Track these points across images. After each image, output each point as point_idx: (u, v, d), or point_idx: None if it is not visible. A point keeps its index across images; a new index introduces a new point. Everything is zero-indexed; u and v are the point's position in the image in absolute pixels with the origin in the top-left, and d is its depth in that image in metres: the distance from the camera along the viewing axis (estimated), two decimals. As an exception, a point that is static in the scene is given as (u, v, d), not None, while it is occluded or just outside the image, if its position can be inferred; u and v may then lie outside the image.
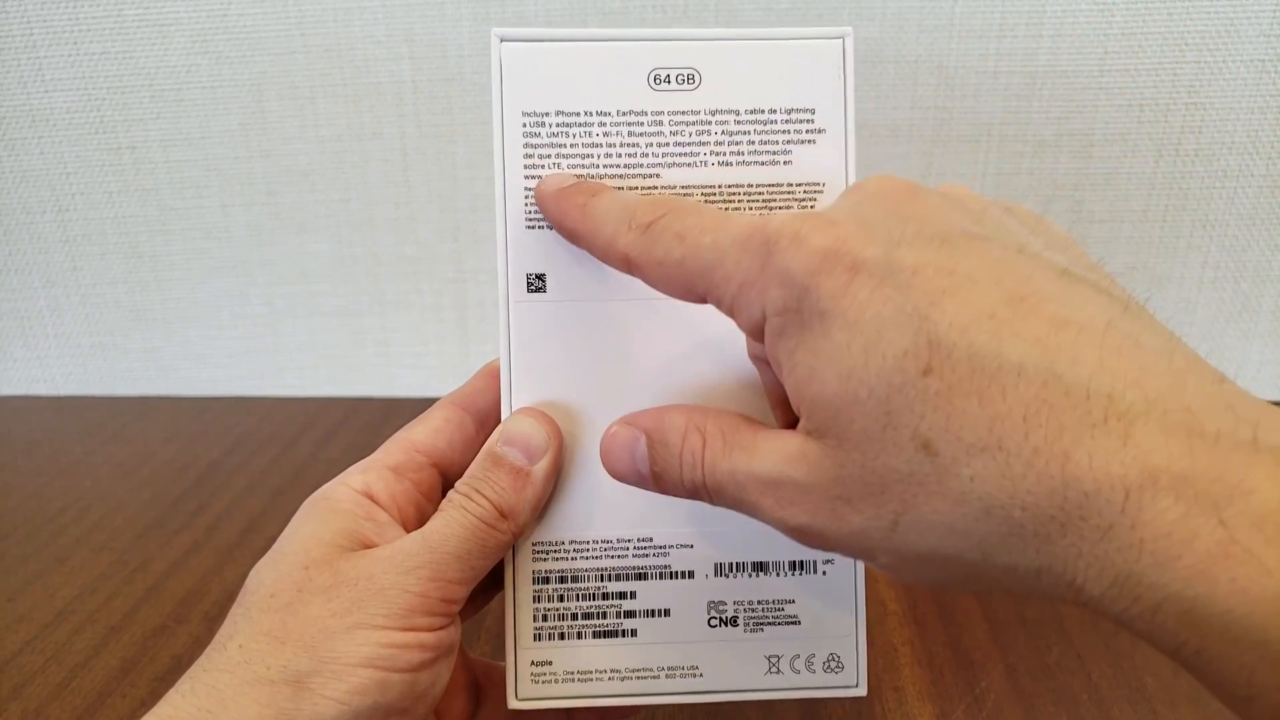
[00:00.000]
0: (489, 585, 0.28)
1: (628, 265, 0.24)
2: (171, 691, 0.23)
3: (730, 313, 0.22)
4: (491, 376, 0.29)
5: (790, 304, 0.20)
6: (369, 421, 0.62)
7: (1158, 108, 0.58)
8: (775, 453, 0.21)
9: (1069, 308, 0.18)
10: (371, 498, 0.26)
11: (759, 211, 0.28)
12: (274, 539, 0.26)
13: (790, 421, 0.22)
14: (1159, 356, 0.18)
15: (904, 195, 0.22)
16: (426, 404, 0.30)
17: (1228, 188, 0.59)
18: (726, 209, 0.28)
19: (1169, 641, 0.17)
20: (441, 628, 0.25)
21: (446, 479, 0.28)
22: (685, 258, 0.22)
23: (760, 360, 0.26)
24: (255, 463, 0.56)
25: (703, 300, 0.23)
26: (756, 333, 0.21)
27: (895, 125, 0.59)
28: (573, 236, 0.26)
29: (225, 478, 0.55)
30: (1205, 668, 0.16)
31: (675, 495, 0.24)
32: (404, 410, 0.30)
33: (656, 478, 0.24)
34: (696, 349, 0.28)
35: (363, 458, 0.28)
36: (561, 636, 0.28)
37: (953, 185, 0.23)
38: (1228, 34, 0.56)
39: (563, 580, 0.28)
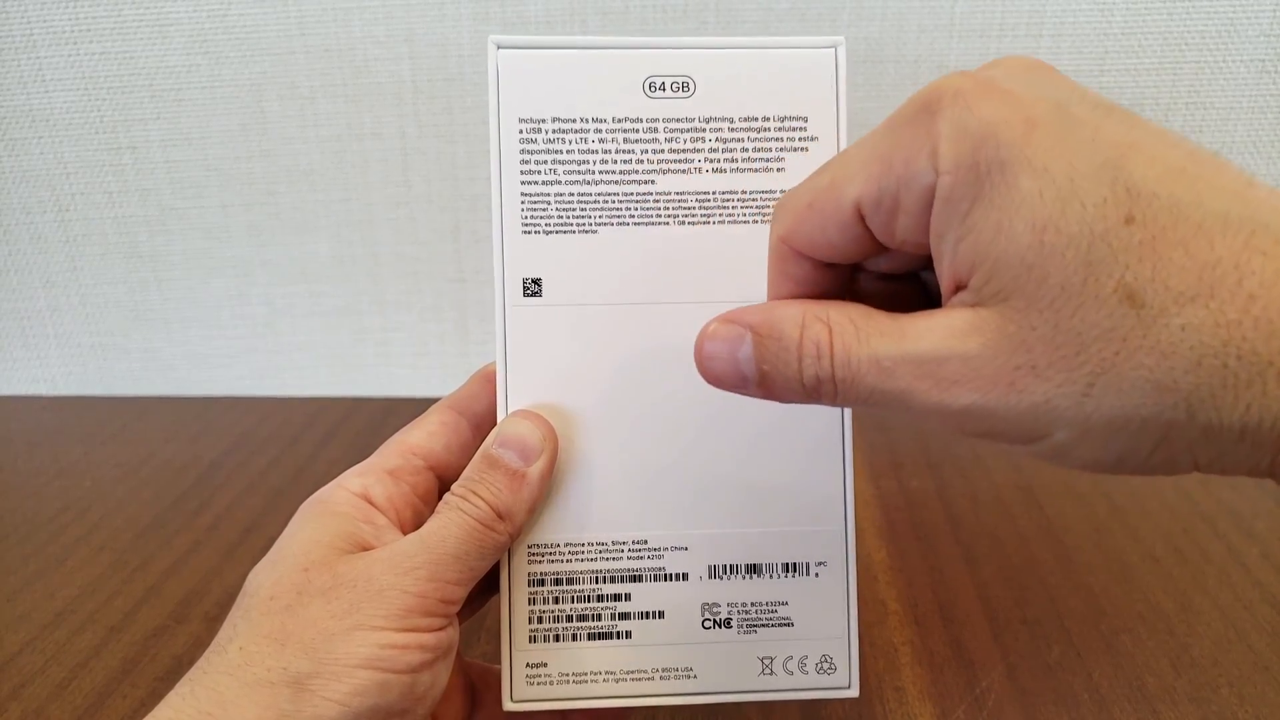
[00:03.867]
0: (485, 588, 0.28)
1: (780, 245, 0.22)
2: (171, 694, 0.23)
3: (891, 201, 0.20)
4: (487, 380, 0.29)
5: (964, 157, 0.18)
6: (369, 421, 0.62)
7: (1158, 108, 0.58)
8: (934, 329, 0.19)
9: (1245, 174, 0.18)
10: (369, 501, 0.27)
11: (753, 219, 0.28)
12: (274, 539, 0.26)
13: None
14: None
15: (1047, 69, 0.20)
16: (426, 404, 0.30)
17: (1228, 187, 0.59)
18: (720, 215, 0.28)
19: None
20: (440, 629, 0.25)
21: (443, 482, 0.29)
22: (834, 176, 0.21)
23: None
24: (255, 463, 0.56)
25: (851, 228, 0.21)
26: (921, 208, 0.19)
27: (895, 125, 0.59)
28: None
29: (225, 478, 0.55)
30: None
31: (786, 398, 0.22)
32: (404, 410, 0.30)
33: (764, 378, 0.21)
34: (692, 354, 0.28)
35: (362, 458, 0.28)
36: (556, 638, 0.28)
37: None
38: (1228, 34, 0.56)
39: (558, 582, 0.28)
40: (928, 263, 0.21)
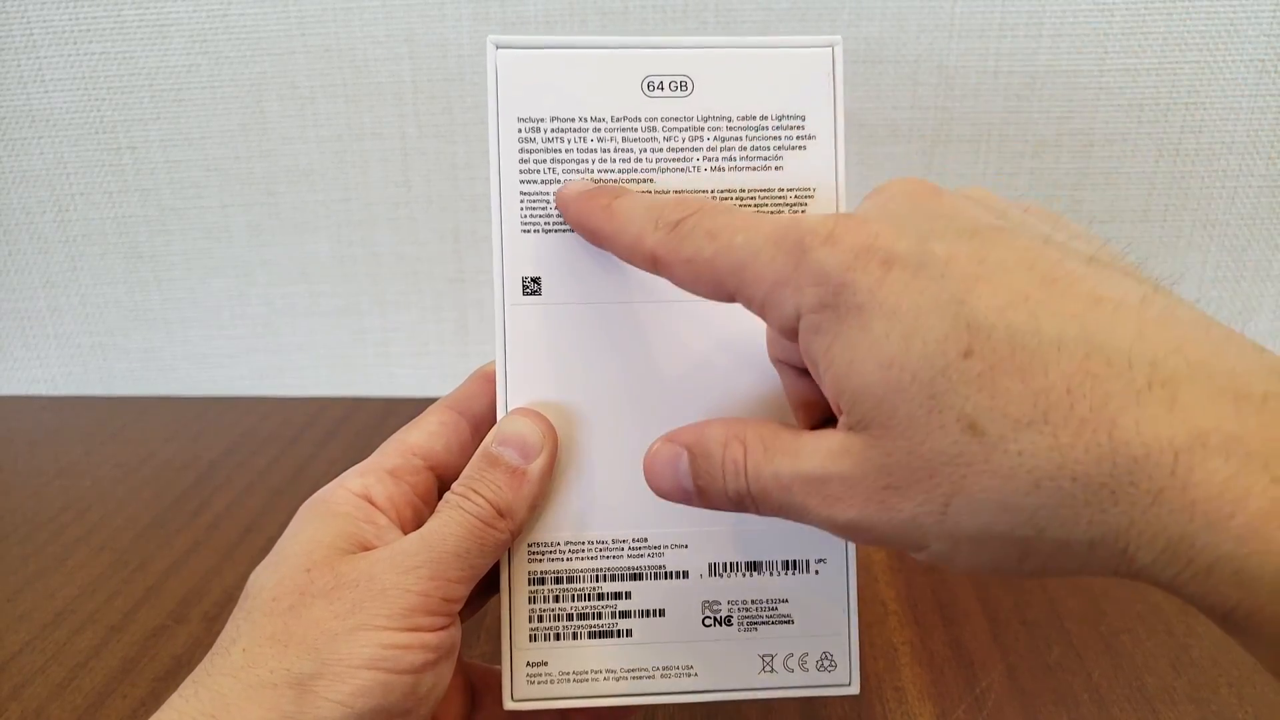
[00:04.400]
0: (485, 588, 0.28)
1: (654, 263, 0.24)
2: (174, 696, 0.23)
3: (761, 312, 0.22)
4: (485, 380, 0.29)
5: (826, 300, 0.20)
6: (369, 421, 0.62)
7: (1158, 108, 0.58)
8: (818, 451, 0.21)
9: (1101, 287, 0.19)
10: (370, 500, 0.27)
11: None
12: (274, 539, 0.26)
13: (813, 423, 0.23)
14: (1196, 327, 0.18)
15: (928, 195, 0.22)
16: (426, 404, 0.30)
17: (1228, 188, 0.59)
18: None
19: (1221, 604, 0.16)
20: (443, 628, 0.25)
21: (442, 482, 0.28)
22: (716, 255, 0.22)
23: (782, 363, 0.26)
24: (255, 463, 0.56)
25: (731, 299, 0.23)
26: (789, 332, 0.21)
27: (895, 125, 0.59)
28: (596, 237, 0.26)
29: (225, 478, 0.55)
30: (1259, 630, 0.16)
31: (720, 508, 0.24)
32: (404, 410, 0.30)
33: (701, 492, 0.24)
34: (691, 351, 0.28)
35: (363, 458, 0.28)
36: (557, 637, 0.28)
37: (971, 187, 0.23)
38: (1228, 34, 0.56)
39: (558, 581, 0.28)
40: None
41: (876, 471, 0.20)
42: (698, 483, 0.24)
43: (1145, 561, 0.17)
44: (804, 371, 0.24)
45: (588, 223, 0.26)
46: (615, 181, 0.28)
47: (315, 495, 0.27)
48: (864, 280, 0.19)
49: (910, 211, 0.21)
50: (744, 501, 0.23)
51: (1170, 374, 0.17)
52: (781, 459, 0.22)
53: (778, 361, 0.26)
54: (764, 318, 0.22)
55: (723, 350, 0.28)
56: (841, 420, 0.21)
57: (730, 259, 0.22)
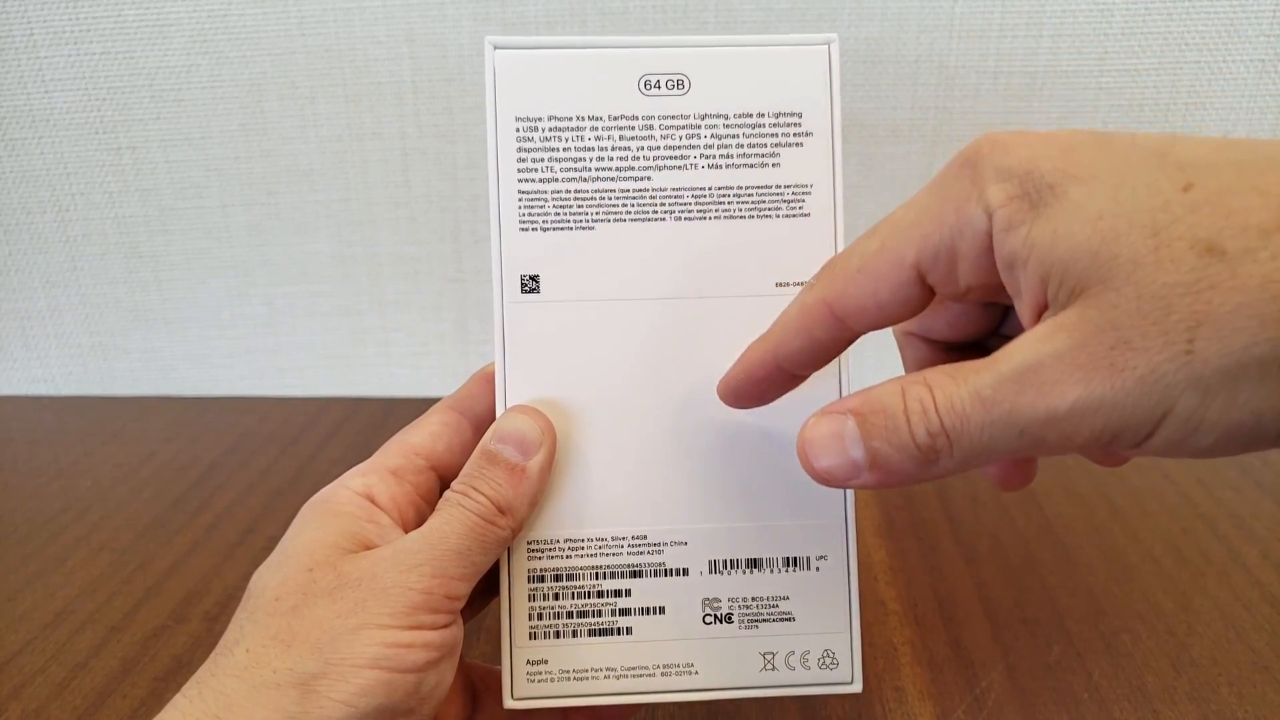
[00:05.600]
0: (485, 589, 0.28)
1: (828, 309, 0.23)
2: (178, 696, 0.23)
3: (950, 252, 0.20)
4: (486, 381, 0.29)
5: (1012, 191, 0.19)
6: (369, 421, 0.62)
7: (1158, 108, 0.58)
8: (1023, 345, 0.19)
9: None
10: (372, 500, 0.27)
11: (749, 214, 0.28)
12: (274, 539, 0.26)
13: None
14: None
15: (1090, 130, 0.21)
16: (426, 404, 0.30)
17: (1228, 187, 0.59)
18: (716, 211, 0.28)
19: None
20: (445, 626, 0.25)
21: (444, 482, 0.28)
22: (884, 240, 0.21)
23: (913, 336, 0.25)
24: (255, 463, 0.56)
25: (913, 284, 0.21)
26: (982, 252, 0.20)
27: (895, 125, 0.59)
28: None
29: (225, 478, 0.55)
30: None
31: (901, 475, 0.21)
32: (404, 410, 0.30)
33: (875, 457, 0.21)
34: (690, 348, 0.28)
35: (363, 458, 0.28)
36: (557, 635, 0.28)
37: None
38: (1228, 34, 0.56)
39: (558, 579, 0.28)
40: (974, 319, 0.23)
41: (1101, 331, 0.18)
42: (872, 444, 0.21)
43: None
44: (934, 344, 0.24)
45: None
46: (613, 180, 0.28)
47: (317, 495, 0.27)
48: (1048, 162, 0.19)
49: (1076, 128, 0.20)
50: (937, 445, 0.20)
51: None
52: (977, 376, 0.19)
53: (907, 335, 0.25)
54: (953, 261, 0.20)
55: (723, 347, 0.28)
56: (1047, 313, 0.19)
57: (899, 230, 0.21)
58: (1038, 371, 0.18)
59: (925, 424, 0.20)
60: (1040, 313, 0.19)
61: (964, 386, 0.19)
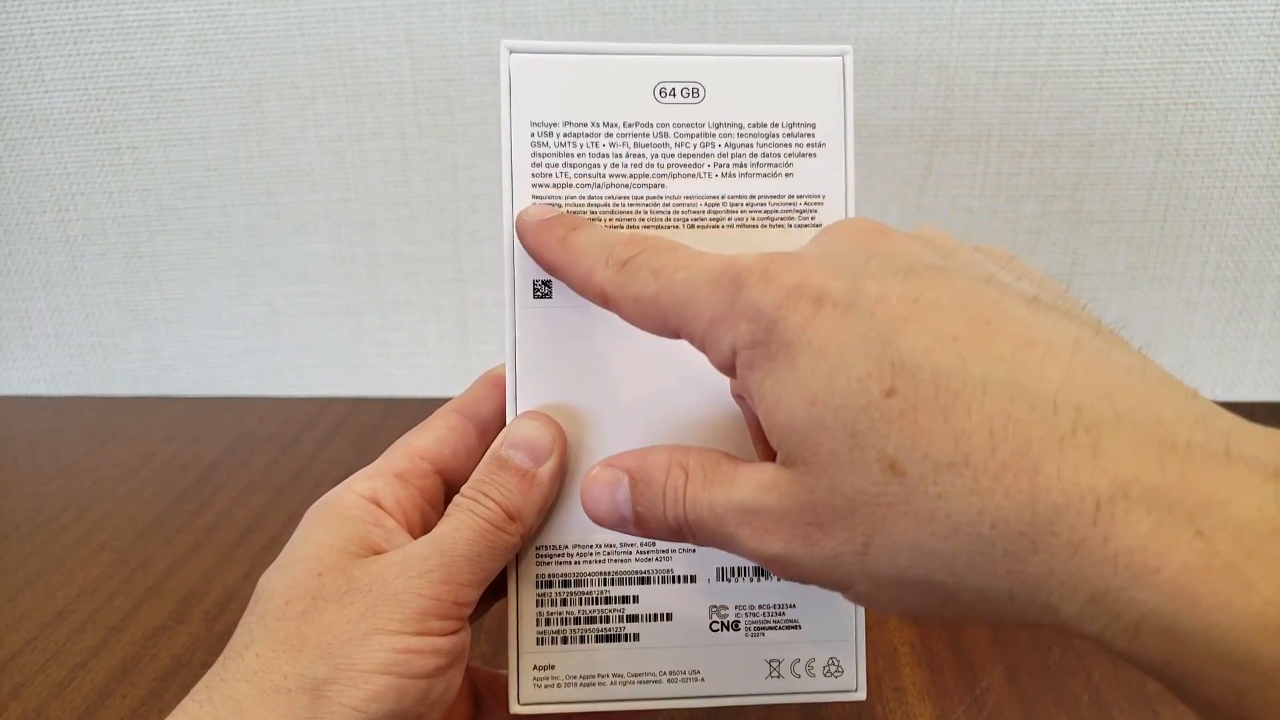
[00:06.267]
0: (489, 594, 0.28)
1: (604, 300, 0.24)
2: (187, 700, 0.23)
3: (702, 348, 0.22)
4: (491, 385, 0.29)
5: (759, 337, 0.20)
6: (369, 421, 0.62)
7: (1158, 108, 0.58)
8: (751, 483, 0.21)
9: (1035, 330, 0.18)
10: (378, 504, 0.27)
11: (762, 224, 0.28)
12: (275, 539, 0.26)
13: (771, 456, 0.23)
14: (1129, 373, 0.18)
15: (873, 234, 0.22)
16: (426, 404, 0.30)
17: (1228, 188, 0.59)
18: (729, 219, 0.28)
19: (1153, 662, 0.16)
20: (454, 631, 0.25)
21: (449, 486, 0.28)
22: (660, 293, 0.22)
23: (740, 398, 0.26)
24: (255, 463, 0.56)
25: (676, 335, 0.23)
26: (728, 368, 0.22)
27: (895, 125, 0.59)
28: (551, 269, 0.26)
29: (225, 478, 0.55)
30: (1193, 690, 0.16)
31: (656, 536, 0.24)
32: (404, 410, 0.30)
33: (639, 519, 0.24)
34: (700, 356, 0.28)
35: (363, 458, 0.28)
36: (564, 640, 0.28)
37: (927, 228, 0.23)
38: (1228, 34, 0.56)
39: (566, 584, 0.28)
40: None
41: (801, 507, 0.20)
42: (637, 509, 0.24)
43: (1070, 614, 0.17)
44: None
45: (543, 254, 0.26)
46: (627, 187, 0.28)
47: (323, 499, 0.27)
48: (794, 318, 0.20)
49: (850, 251, 0.21)
50: (681, 529, 0.23)
51: (1095, 420, 0.17)
52: (717, 489, 0.22)
53: (736, 396, 0.26)
54: (705, 354, 0.22)
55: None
56: (777, 456, 0.21)
57: (672, 297, 0.22)
58: (755, 516, 0.21)
59: (674, 510, 0.23)
60: (772, 447, 0.21)
61: (706, 494, 0.22)
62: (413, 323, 0.66)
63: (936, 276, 0.20)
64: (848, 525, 0.19)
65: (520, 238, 0.27)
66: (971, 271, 0.20)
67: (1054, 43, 0.56)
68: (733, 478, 0.22)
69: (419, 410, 0.30)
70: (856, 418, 0.18)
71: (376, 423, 0.62)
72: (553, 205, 0.28)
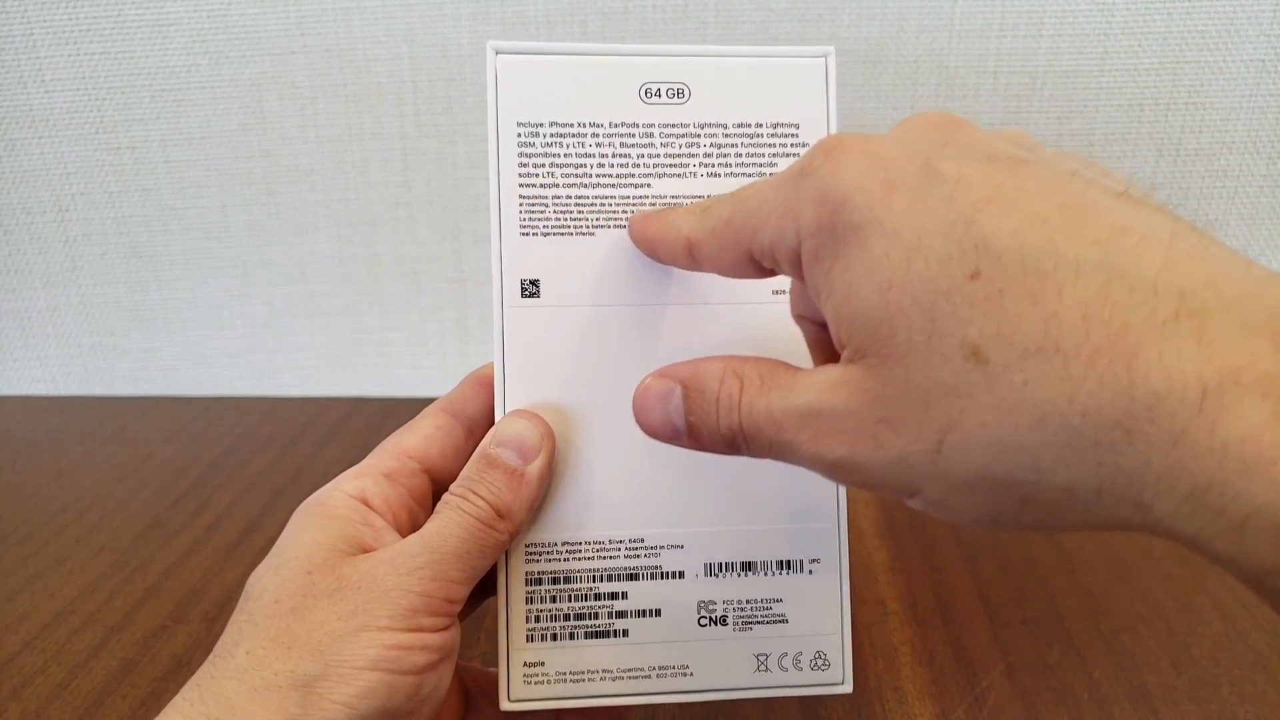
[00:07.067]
0: (479, 592, 0.28)
1: (690, 249, 0.24)
2: (178, 698, 0.23)
3: (773, 257, 0.21)
4: (479, 384, 0.29)
5: (824, 221, 0.19)
6: (369, 421, 0.62)
7: (1158, 108, 0.58)
8: (814, 385, 0.20)
9: (1128, 219, 0.17)
10: (366, 503, 0.27)
11: None
12: (274, 539, 0.26)
13: None
14: (1232, 264, 0.16)
15: (951, 124, 0.20)
16: (426, 404, 0.30)
17: (1228, 188, 0.59)
18: None
19: (1257, 565, 0.15)
20: (444, 628, 0.25)
21: (437, 485, 0.28)
22: (733, 213, 0.22)
23: (803, 319, 0.25)
24: (255, 463, 0.56)
25: (753, 263, 0.22)
26: (795, 266, 0.20)
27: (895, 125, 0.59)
28: (649, 242, 0.26)
29: (225, 478, 0.55)
30: None
31: (710, 448, 0.23)
32: (403, 410, 0.30)
33: (691, 429, 0.23)
34: (688, 353, 0.28)
35: (362, 458, 0.28)
36: (554, 637, 0.28)
37: (1005, 129, 0.22)
38: (1228, 34, 0.56)
39: (555, 581, 0.28)
40: None
41: (870, 404, 0.18)
42: (689, 419, 0.23)
43: (1165, 512, 0.15)
44: (823, 325, 0.23)
45: (643, 229, 0.26)
46: (613, 187, 0.28)
47: (311, 498, 0.27)
48: (862, 198, 0.18)
49: (926, 137, 0.20)
50: (736, 439, 0.22)
51: (1200, 306, 0.15)
52: (776, 394, 0.21)
53: (799, 318, 0.25)
54: (776, 265, 0.21)
55: (721, 351, 0.28)
56: (845, 351, 0.20)
57: (744, 211, 0.21)
58: (817, 419, 0.20)
59: (728, 419, 0.22)
60: (839, 344, 0.20)
61: (763, 400, 0.21)
62: (412, 323, 0.66)
63: (1019, 166, 0.18)
64: (921, 421, 0.18)
65: (632, 230, 0.27)
66: (1056, 165, 0.19)
67: (1054, 43, 0.56)
68: (792, 383, 0.21)
69: (418, 411, 0.30)
70: (937, 303, 0.17)
71: (376, 423, 0.62)
72: (539, 204, 0.28)
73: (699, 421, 0.22)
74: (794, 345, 0.28)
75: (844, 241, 0.19)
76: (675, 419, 0.23)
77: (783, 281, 0.28)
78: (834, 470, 0.20)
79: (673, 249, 0.24)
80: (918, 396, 0.18)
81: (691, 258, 0.24)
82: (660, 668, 0.29)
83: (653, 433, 0.24)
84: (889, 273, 0.18)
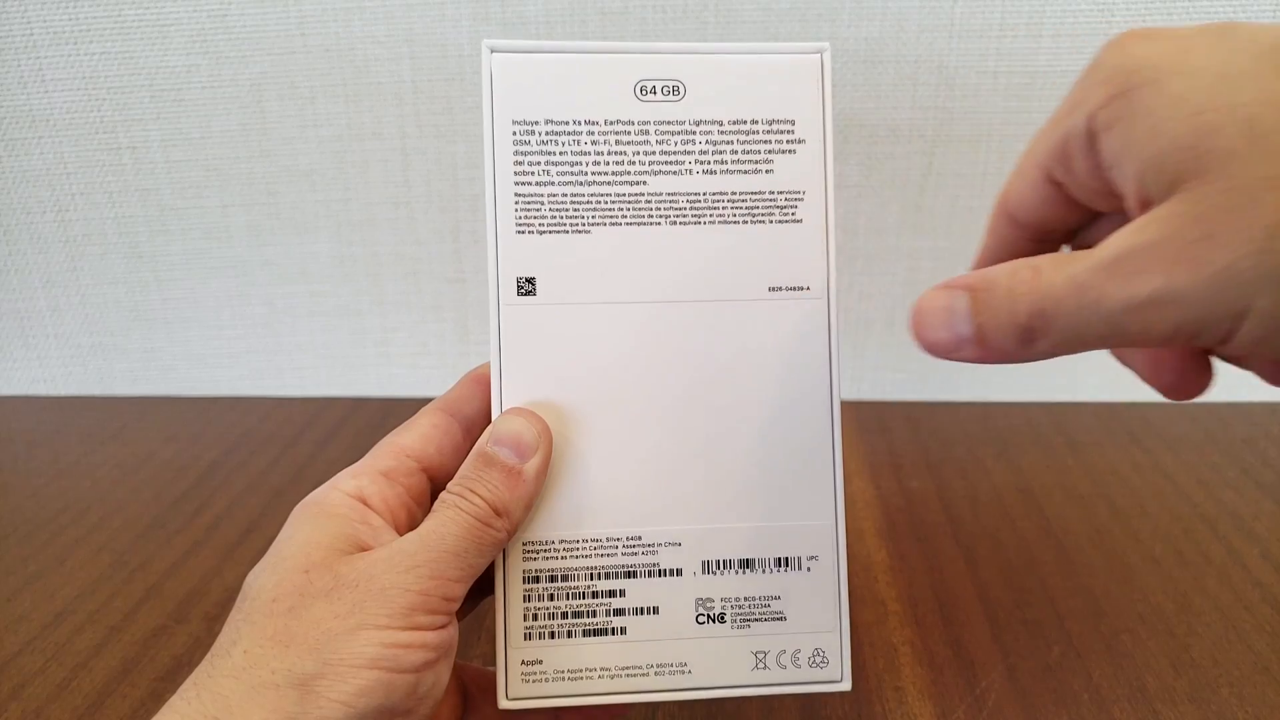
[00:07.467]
0: (476, 591, 0.28)
1: (998, 203, 0.24)
2: (175, 698, 0.23)
3: (1063, 152, 0.21)
4: (476, 383, 0.29)
5: (1115, 90, 0.19)
6: (369, 421, 0.62)
7: (1158, 107, 0.57)
8: (1118, 238, 0.19)
9: None
10: (364, 502, 0.27)
11: (743, 219, 0.29)
12: (274, 539, 0.26)
13: None
14: None
15: (1234, 24, 0.20)
16: (426, 404, 0.30)
17: (1228, 187, 0.59)
18: (710, 215, 0.29)
19: None
20: (442, 626, 0.25)
21: (435, 484, 0.29)
22: (1031, 141, 0.22)
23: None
24: (255, 463, 0.56)
25: (1051, 185, 0.22)
26: (1088, 152, 0.20)
27: (895, 125, 0.59)
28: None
29: (225, 478, 0.55)
30: None
31: (999, 351, 0.22)
32: (404, 410, 0.30)
33: (980, 332, 0.21)
34: (684, 351, 0.28)
35: (362, 459, 0.28)
36: (552, 635, 0.28)
37: None
38: (1228, 33, 0.56)
39: (553, 579, 0.28)
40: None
41: (1187, 225, 0.18)
42: (978, 320, 0.21)
43: None
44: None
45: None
46: (609, 184, 0.28)
47: (309, 497, 0.27)
48: (1156, 58, 0.18)
49: (1212, 28, 0.19)
50: (1034, 325, 0.20)
51: None
52: (1077, 263, 0.20)
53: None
54: (1069, 159, 0.21)
55: (716, 350, 0.28)
56: (1142, 207, 0.19)
57: (1036, 136, 0.22)
58: (1126, 260, 0.18)
59: (1024, 304, 0.20)
60: (1145, 209, 0.19)
61: (1063, 271, 0.20)
62: (412, 323, 0.66)
63: None
64: (1246, 221, 0.17)
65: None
66: None
67: (1054, 43, 0.56)
68: (1090, 251, 0.20)
69: (418, 410, 0.30)
70: (1255, 111, 0.17)
71: (376, 423, 0.62)
72: (535, 202, 0.28)
73: (988, 320, 0.21)
74: (794, 345, 0.28)
75: (1138, 96, 0.19)
76: (960, 326, 0.22)
77: (777, 278, 0.29)
78: (1148, 308, 0.18)
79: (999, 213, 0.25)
80: (1242, 199, 0.17)
81: (1008, 215, 0.24)
82: (658, 666, 0.29)
83: (932, 346, 0.23)
84: (1197, 100, 0.18)
